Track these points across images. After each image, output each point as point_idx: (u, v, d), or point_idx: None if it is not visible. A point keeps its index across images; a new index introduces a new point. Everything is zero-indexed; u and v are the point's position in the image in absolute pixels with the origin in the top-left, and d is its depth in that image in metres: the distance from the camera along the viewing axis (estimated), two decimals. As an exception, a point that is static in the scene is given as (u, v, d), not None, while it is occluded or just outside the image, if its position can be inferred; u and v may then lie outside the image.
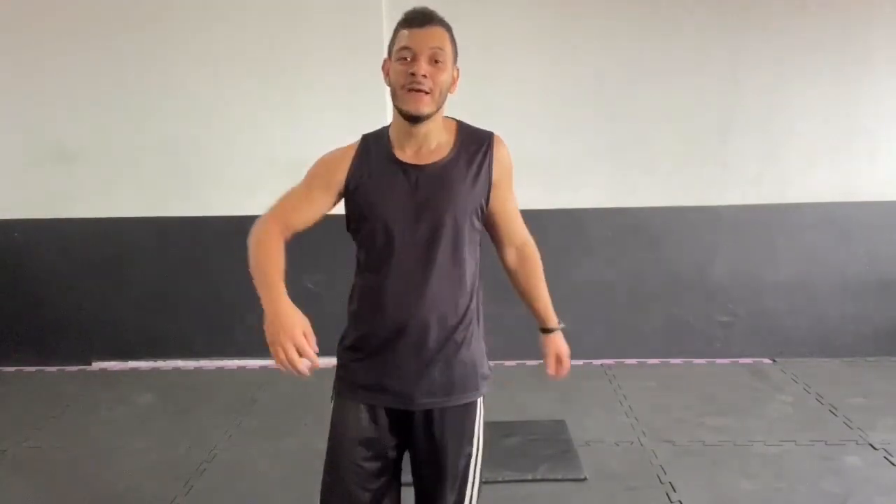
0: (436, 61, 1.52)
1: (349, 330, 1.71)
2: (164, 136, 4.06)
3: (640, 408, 3.55)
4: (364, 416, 1.65)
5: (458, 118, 1.70)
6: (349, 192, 1.62)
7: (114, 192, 4.13)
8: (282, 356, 1.42)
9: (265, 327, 1.48)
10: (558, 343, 1.84)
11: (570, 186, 4.08)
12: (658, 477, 2.88)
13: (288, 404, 3.71)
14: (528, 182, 4.05)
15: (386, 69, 1.58)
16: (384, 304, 1.60)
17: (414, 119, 1.54)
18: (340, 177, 1.62)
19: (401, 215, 1.58)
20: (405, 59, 1.52)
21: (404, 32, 1.54)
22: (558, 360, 1.84)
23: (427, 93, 1.51)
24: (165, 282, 4.22)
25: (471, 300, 1.66)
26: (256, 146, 4.05)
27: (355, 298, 1.69)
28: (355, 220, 1.63)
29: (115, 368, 4.29)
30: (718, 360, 4.19)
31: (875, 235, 4.09)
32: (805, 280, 4.13)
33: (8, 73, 4.04)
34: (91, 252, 4.21)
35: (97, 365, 4.33)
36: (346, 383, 1.69)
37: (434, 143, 1.62)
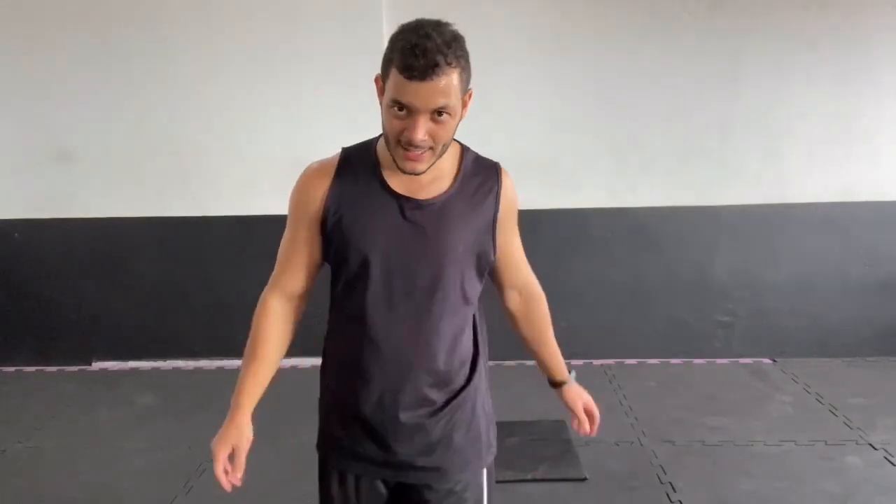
0: (439, 115, 1.23)
1: (329, 387, 1.49)
2: (164, 136, 4.06)
3: (640, 408, 3.55)
4: (354, 487, 1.46)
5: (462, 143, 1.45)
6: (327, 221, 1.36)
7: (114, 192, 4.13)
8: (217, 473, 1.43)
9: (217, 435, 1.44)
10: (580, 394, 1.61)
11: (570, 186, 4.08)
12: (658, 477, 2.88)
13: (288, 404, 3.70)
14: (528, 182, 4.08)
15: (378, 88, 1.30)
16: (371, 365, 1.37)
17: (407, 174, 1.31)
18: (316, 201, 1.36)
19: (393, 258, 1.33)
20: (399, 109, 1.23)
21: (401, 80, 1.20)
22: (589, 415, 1.60)
23: (425, 151, 1.26)
24: (165, 282, 4.22)
25: (475, 356, 1.45)
26: (256, 146, 4.05)
27: (332, 345, 1.48)
28: (333, 255, 1.37)
29: (115, 368, 4.29)
30: (718, 360, 4.19)
31: (875, 235, 4.09)
32: (805, 280, 4.12)
33: (8, 72, 4.04)
34: (91, 252, 4.21)
35: (97, 365, 4.33)
36: (329, 449, 1.48)
37: (432, 175, 1.35)
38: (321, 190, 1.36)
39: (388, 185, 1.35)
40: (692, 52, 3.96)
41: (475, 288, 1.42)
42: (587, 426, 1.59)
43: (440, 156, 1.30)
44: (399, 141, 1.25)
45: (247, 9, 3.94)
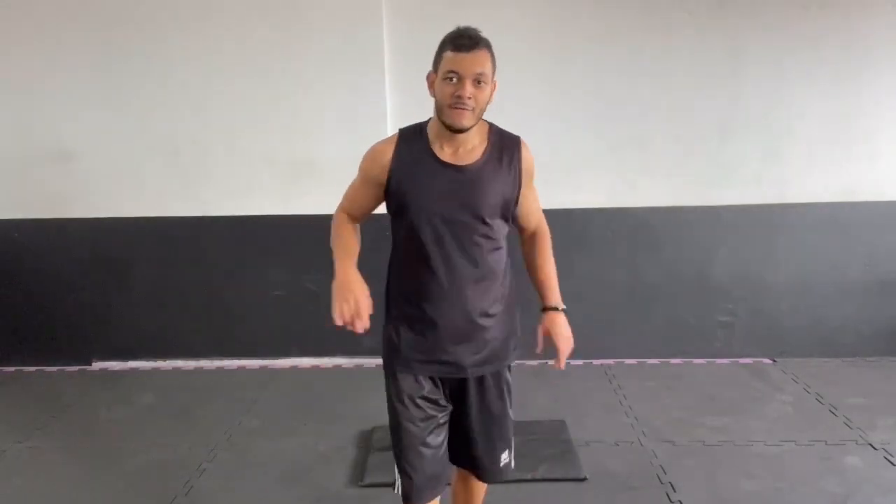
0: (479, 83, 1.69)
1: (393, 310, 1.91)
2: (164, 136, 4.06)
3: (640, 408, 3.55)
4: (418, 384, 1.88)
5: (489, 121, 1.86)
6: (391, 184, 1.80)
7: (114, 192, 4.13)
8: (345, 309, 1.66)
9: (333, 286, 1.71)
10: (553, 321, 1.90)
11: (570, 186, 4.08)
12: (658, 477, 2.88)
13: (288, 404, 3.71)
14: (528, 182, 4.09)
15: (430, 81, 1.77)
16: (426, 290, 1.81)
17: (457, 131, 1.74)
18: (383, 169, 1.81)
19: (441, 210, 1.77)
20: (451, 79, 1.69)
21: (451, 55, 1.69)
22: (557, 344, 1.88)
23: (470, 110, 1.70)
24: (165, 282, 4.22)
25: (502, 284, 1.88)
26: (256, 146, 4.05)
27: (396, 280, 1.90)
28: (395, 208, 1.83)
29: (115, 368, 4.29)
30: (718, 360, 4.19)
31: (875, 235, 4.09)
32: (805, 280, 4.13)
33: (7, 72, 4.04)
34: (91, 252, 4.21)
35: (97, 365, 4.33)
36: (400, 360, 1.88)
37: (470, 145, 1.81)
38: (386, 159, 1.81)
39: (437, 156, 1.79)
40: (692, 52, 3.96)
41: (503, 230, 1.87)
42: (540, 347, 1.91)
43: (478, 119, 1.75)
44: (450, 104, 1.70)
45: (247, 10, 3.94)
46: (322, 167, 3.99)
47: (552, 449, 3.08)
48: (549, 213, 4.12)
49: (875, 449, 3.07)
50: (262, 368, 4.21)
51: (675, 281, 4.15)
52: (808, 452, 3.07)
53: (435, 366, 1.87)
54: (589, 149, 4.06)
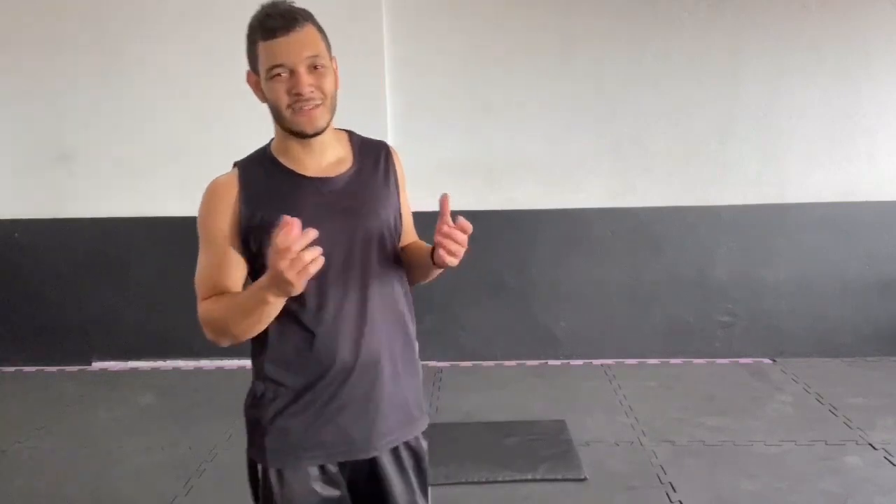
0: (315, 67, 1.32)
1: (270, 387, 1.49)
2: (164, 136, 4.06)
3: (640, 408, 3.55)
4: (314, 478, 1.42)
5: (346, 128, 1.53)
6: (244, 221, 1.35)
7: (114, 192, 4.13)
8: (295, 267, 1.15)
9: (271, 284, 1.22)
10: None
11: (570, 186, 4.08)
12: (658, 477, 2.88)
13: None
14: (528, 182, 4.10)
15: (253, 83, 1.40)
16: (319, 345, 1.36)
17: (312, 135, 1.35)
18: (231, 214, 1.35)
19: (325, 234, 1.19)
20: (280, 75, 1.32)
21: (268, 45, 1.33)
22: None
23: (319, 103, 1.33)
24: (165, 282, 4.21)
25: (411, 321, 1.48)
26: (256, 146, 4.04)
27: (272, 347, 1.47)
28: (258, 248, 1.35)
29: (115, 368, 4.29)
30: (718, 360, 4.19)
31: (875, 235, 4.09)
32: (805, 280, 4.12)
33: (8, 73, 4.04)
34: (91, 252, 4.21)
35: (97, 365, 4.33)
36: (280, 448, 1.45)
37: (333, 157, 1.42)
38: (230, 199, 1.36)
39: (298, 172, 1.38)
40: (692, 51, 3.96)
41: (396, 251, 1.46)
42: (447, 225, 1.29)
43: (332, 111, 1.36)
44: (290, 104, 1.32)
45: (247, 9, 3.93)
46: (322, 167, 3.99)
47: (552, 449, 3.08)
48: (549, 214, 4.16)
49: (875, 449, 3.07)
50: (262, 368, 4.21)
51: (675, 281, 4.15)
52: (808, 452, 3.06)
53: (325, 449, 1.40)
54: (589, 149, 4.06)
